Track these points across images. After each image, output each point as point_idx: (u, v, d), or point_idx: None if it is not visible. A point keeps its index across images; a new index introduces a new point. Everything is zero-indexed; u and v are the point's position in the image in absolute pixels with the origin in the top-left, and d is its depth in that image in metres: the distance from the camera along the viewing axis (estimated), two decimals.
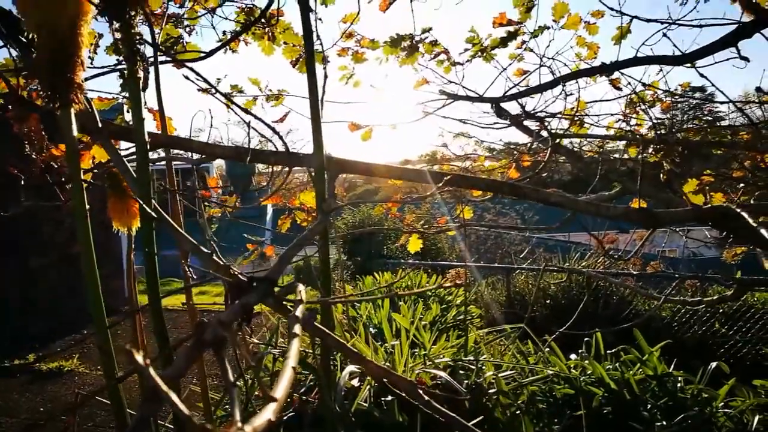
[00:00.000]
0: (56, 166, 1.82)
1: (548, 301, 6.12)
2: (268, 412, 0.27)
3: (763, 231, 0.86)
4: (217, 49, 1.97)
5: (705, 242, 3.38)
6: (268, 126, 1.20)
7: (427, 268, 6.91)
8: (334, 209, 0.77)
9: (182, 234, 0.68)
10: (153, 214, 0.68)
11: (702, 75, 1.66)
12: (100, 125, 0.79)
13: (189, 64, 1.50)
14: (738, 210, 0.96)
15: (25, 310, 6.40)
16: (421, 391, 0.67)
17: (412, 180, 1.02)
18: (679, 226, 2.88)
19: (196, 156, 1.09)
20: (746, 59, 1.93)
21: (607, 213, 1.00)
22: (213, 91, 2.64)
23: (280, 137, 0.98)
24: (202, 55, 1.84)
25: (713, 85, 1.67)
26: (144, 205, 0.68)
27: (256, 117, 0.98)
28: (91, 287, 0.78)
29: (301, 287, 0.54)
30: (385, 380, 0.70)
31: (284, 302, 0.59)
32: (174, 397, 0.27)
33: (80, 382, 4.65)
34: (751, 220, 0.90)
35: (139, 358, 0.27)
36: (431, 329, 3.16)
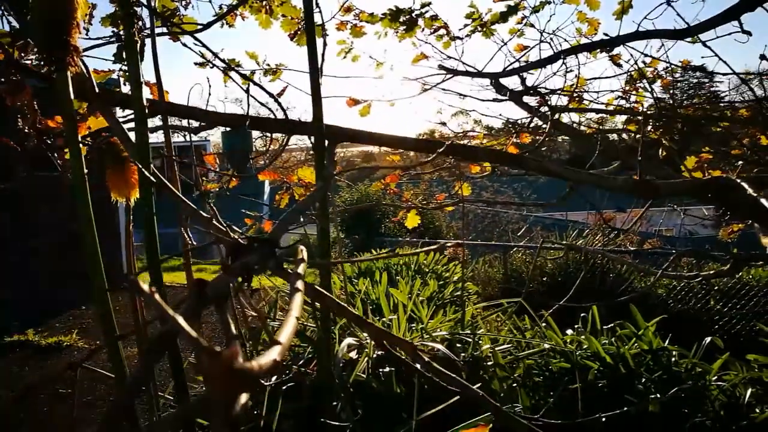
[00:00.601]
0: (50, 141, 1.81)
1: (545, 279, 6.16)
2: (274, 353, 0.27)
3: (763, 201, 0.86)
4: (215, 21, 1.94)
5: (702, 219, 3.39)
6: (268, 93, 1.19)
7: (425, 246, 6.93)
8: (334, 176, 0.76)
9: (181, 197, 0.68)
10: (152, 178, 0.68)
11: (705, 45, 1.65)
12: (97, 91, 0.78)
13: (189, 33, 1.48)
14: (738, 180, 0.96)
15: (24, 287, 6.42)
16: (421, 354, 0.67)
17: (412, 149, 1.02)
18: (678, 200, 2.88)
19: (195, 124, 1.08)
20: (748, 33, 1.91)
21: (608, 184, 1.00)
22: (210, 64, 2.62)
23: (280, 105, 0.96)
24: (200, 27, 1.82)
25: (716, 54, 1.65)
26: (143, 170, 0.67)
27: (255, 83, 0.97)
28: (91, 253, 0.77)
29: (302, 248, 0.54)
30: (385, 342, 0.70)
31: (285, 264, 0.59)
32: (187, 327, 0.27)
33: (79, 357, 4.68)
34: (751, 190, 0.90)
35: (145, 286, 0.26)
36: (428, 305, 3.18)
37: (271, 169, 2.71)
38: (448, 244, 6.68)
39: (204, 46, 1.34)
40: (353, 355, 1.99)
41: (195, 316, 0.37)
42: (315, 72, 0.75)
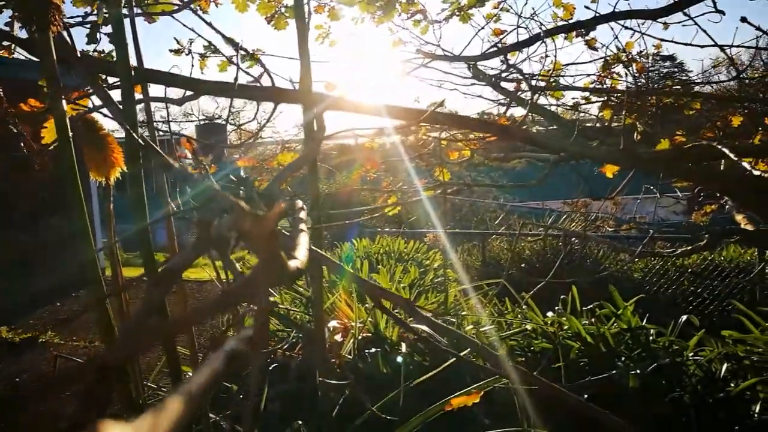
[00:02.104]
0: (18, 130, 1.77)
1: (523, 265, 6.22)
2: (296, 262, 0.26)
3: (744, 163, 0.88)
4: (190, 1, 1.91)
5: (678, 200, 3.45)
6: (251, 76, 1.17)
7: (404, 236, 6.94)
8: (324, 139, 0.76)
9: (170, 162, 0.66)
10: (140, 142, 0.66)
11: (687, 15, 1.67)
12: (78, 55, 0.76)
13: (167, 13, 1.46)
14: (720, 146, 0.97)
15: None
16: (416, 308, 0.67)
17: (399, 118, 1.02)
18: (655, 180, 2.93)
19: (177, 95, 1.06)
20: (722, 12, 1.94)
21: (591, 153, 1.01)
22: (186, 51, 2.57)
23: (268, 72, 0.95)
24: (176, 7, 1.79)
25: (697, 24, 1.67)
26: (132, 133, 0.66)
27: (238, 65, 0.95)
28: (82, 232, 0.76)
29: (299, 203, 0.53)
30: (381, 299, 0.70)
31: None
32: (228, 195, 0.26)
33: (55, 352, 4.60)
34: (733, 155, 0.92)
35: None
36: (410, 291, 3.19)
37: (250, 157, 2.67)
38: (428, 235, 6.70)
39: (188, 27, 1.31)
40: (338, 338, 1.99)
41: (201, 252, 0.36)
42: (303, 35, 0.74)
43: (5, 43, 1.45)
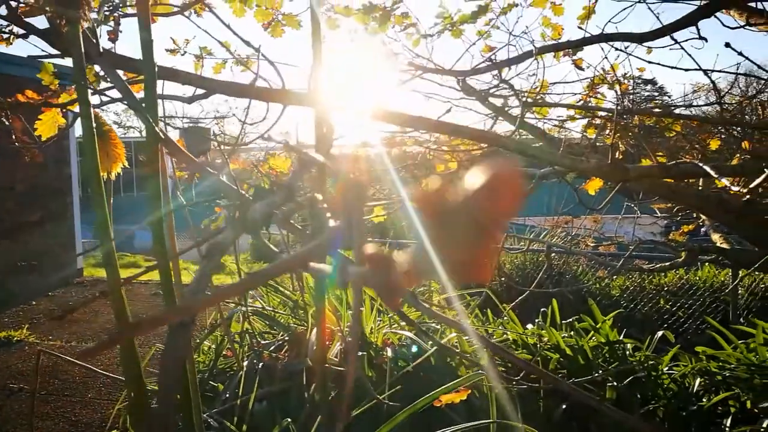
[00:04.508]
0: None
1: (503, 279, 6.29)
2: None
3: (725, 180, 0.94)
4: (185, 7, 1.93)
5: (657, 217, 3.54)
6: (269, 61, 1.21)
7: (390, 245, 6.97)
8: (333, 141, 0.79)
9: (188, 155, 0.69)
10: (161, 134, 0.69)
11: (674, 40, 1.75)
12: (101, 51, 0.79)
13: (165, 15, 1.49)
14: (701, 164, 1.03)
15: None
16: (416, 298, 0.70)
17: (399, 123, 1.06)
18: (636, 200, 3.01)
19: (188, 94, 1.09)
20: (704, 39, 2.02)
21: (581, 166, 1.06)
22: (182, 51, 2.60)
23: (277, 71, 0.98)
24: (176, 9, 1.81)
25: (683, 48, 1.75)
26: (152, 123, 0.69)
27: (242, 65, 0.98)
28: (102, 225, 0.78)
29: (320, 196, 0.57)
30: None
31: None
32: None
33: (31, 351, 4.53)
34: (714, 173, 0.98)
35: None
36: None
37: (241, 161, 2.70)
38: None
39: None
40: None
41: (240, 232, 0.39)
42: (317, 30, 0.77)
43: (5, 35, 1.47)
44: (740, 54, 1.70)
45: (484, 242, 0.29)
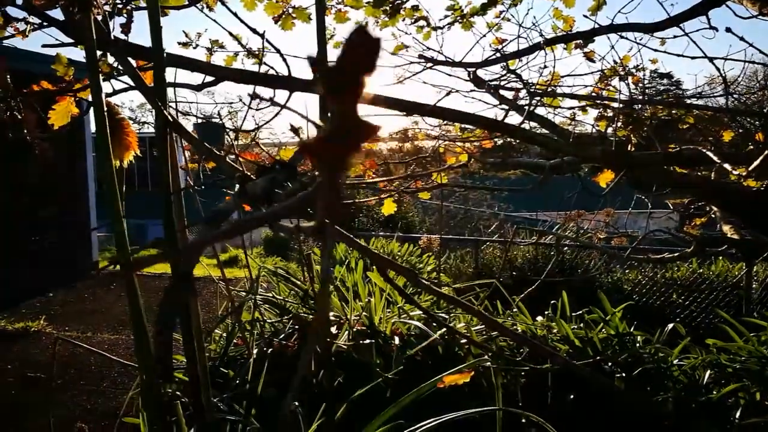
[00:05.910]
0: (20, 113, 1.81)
1: (514, 273, 6.28)
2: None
3: (726, 165, 0.94)
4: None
5: (669, 212, 3.53)
6: (275, 48, 1.23)
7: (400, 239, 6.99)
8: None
9: (197, 139, 0.71)
10: (170, 118, 0.71)
11: (682, 30, 1.74)
12: (112, 38, 0.81)
13: (177, 8, 1.51)
14: (705, 151, 1.03)
15: None
16: (422, 279, 0.72)
17: (408, 112, 1.07)
18: (647, 194, 2.99)
19: (199, 81, 1.11)
20: (715, 29, 2.01)
21: (587, 153, 1.07)
22: (194, 45, 2.63)
23: (283, 58, 1.00)
24: (187, 2, 1.84)
25: (690, 37, 1.74)
26: (161, 108, 0.71)
27: (252, 54, 1.00)
28: (115, 212, 0.80)
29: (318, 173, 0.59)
30: (388, 270, 0.75)
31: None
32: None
33: (48, 342, 4.61)
34: (718, 159, 0.98)
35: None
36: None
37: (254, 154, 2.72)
38: (422, 239, 6.74)
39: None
40: (333, 329, 2.03)
41: (243, 202, 0.41)
42: (321, 20, 0.79)
43: (21, 27, 1.50)
44: (742, 39, 1.69)
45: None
